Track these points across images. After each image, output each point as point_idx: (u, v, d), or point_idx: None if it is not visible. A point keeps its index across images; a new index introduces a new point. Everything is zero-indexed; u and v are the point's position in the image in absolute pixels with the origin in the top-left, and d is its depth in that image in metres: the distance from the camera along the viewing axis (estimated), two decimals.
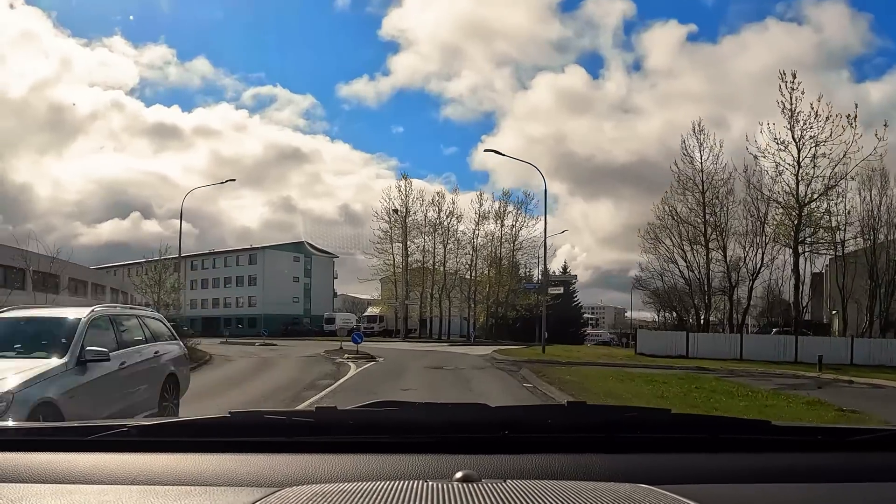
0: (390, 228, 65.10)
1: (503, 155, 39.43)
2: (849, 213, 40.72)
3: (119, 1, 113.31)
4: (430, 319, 70.17)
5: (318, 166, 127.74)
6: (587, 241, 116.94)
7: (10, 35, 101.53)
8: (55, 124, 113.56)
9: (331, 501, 1.22)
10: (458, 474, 1.39)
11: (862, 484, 1.52)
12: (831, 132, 38.30)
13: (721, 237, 43.53)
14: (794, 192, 39.67)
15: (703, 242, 43.89)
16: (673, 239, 44.86)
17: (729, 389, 15.55)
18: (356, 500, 1.22)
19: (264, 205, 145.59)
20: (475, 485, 1.32)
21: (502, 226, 65.41)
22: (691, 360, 33.21)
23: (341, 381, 17.65)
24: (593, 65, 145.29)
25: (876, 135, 37.69)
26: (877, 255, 40.27)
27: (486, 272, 66.42)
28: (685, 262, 44.82)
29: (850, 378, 23.99)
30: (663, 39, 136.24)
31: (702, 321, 44.74)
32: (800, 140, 39.37)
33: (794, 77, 40.08)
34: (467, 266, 67.40)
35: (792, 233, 40.04)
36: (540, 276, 64.42)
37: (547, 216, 64.51)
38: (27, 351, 7.39)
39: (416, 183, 66.94)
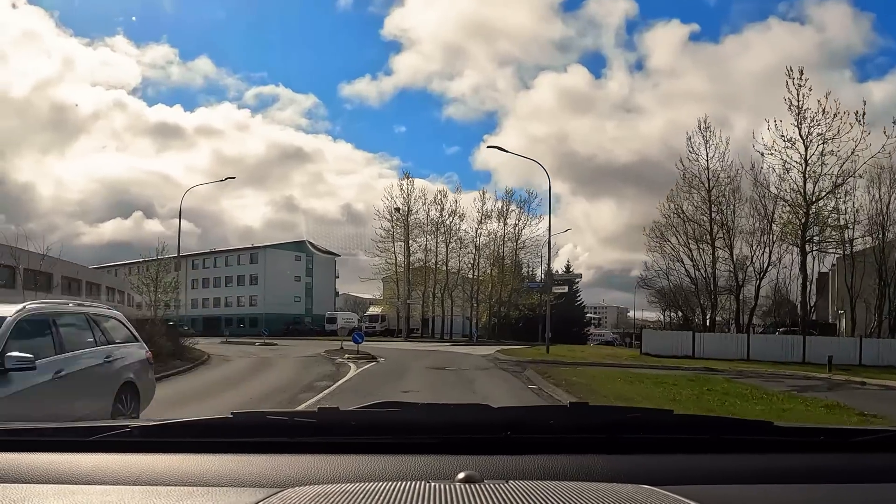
0: (392, 227, 64.70)
1: (506, 151, 38.86)
2: (857, 211, 40.21)
3: (121, 0, 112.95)
4: (433, 319, 69.63)
5: (321, 166, 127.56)
6: (589, 241, 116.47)
7: (13, 34, 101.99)
8: (58, 124, 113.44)
9: (333, 502, 1.22)
10: (461, 475, 1.39)
11: (864, 485, 1.52)
12: (839, 129, 37.87)
13: (727, 235, 42.98)
14: (802, 190, 39.15)
15: (709, 241, 43.31)
16: (679, 237, 44.32)
17: (742, 392, 14.99)
18: (359, 500, 1.22)
19: (266, 204, 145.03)
20: (477, 485, 1.32)
21: (505, 225, 65.04)
22: (698, 361, 32.73)
23: (340, 382, 17.12)
24: (595, 64, 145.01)
25: (885, 132, 37.20)
26: (886, 254, 39.72)
27: (488, 271, 65.97)
28: (691, 260, 44.29)
29: (861, 379, 23.43)
30: (665, 39, 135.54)
31: (708, 321, 44.13)
32: (807, 137, 38.89)
33: (802, 74, 39.61)
34: (470, 265, 67.03)
35: (799, 231, 39.54)
36: (543, 276, 64.20)
37: (545, 218, 63.78)
38: None
39: (418, 182, 66.65)
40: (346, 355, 27.56)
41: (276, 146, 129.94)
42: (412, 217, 64.43)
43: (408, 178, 66.03)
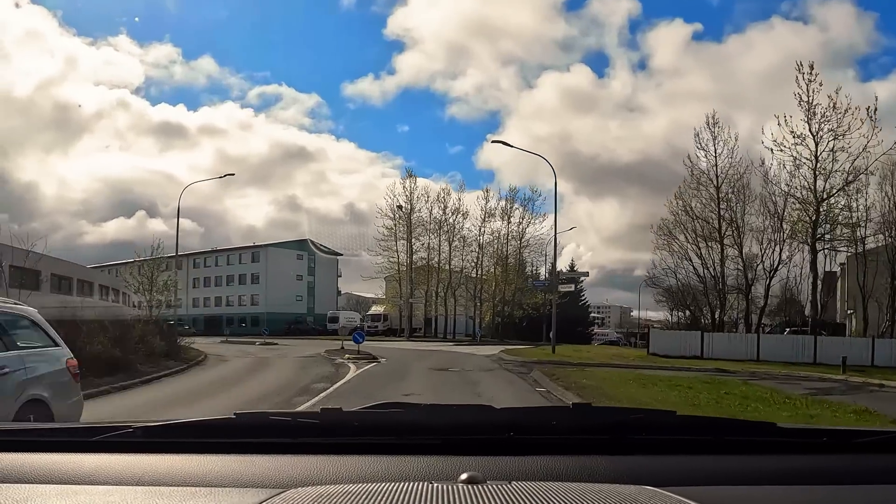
0: (395, 226, 63.94)
1: (511, 146, 37.97)
2: (869, 208, 39.39)
3: (124, 0, 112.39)
4: (435, 318, 68.89)
5: (324, 165, 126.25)
6: (592, 241, 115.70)
7: (16, 34, 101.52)
8: (61, 123, 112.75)
9: (336, 503, 1.22)
10: (463, 476, 1.39)
11: (868, 486, 1.51)
12: (849, 126, 37.10)
13: (737, 233, 42.15)
14: (812, 187, 38.36)
15: (717, 239, 42.49)
16: (687, 235, 43.49)
17: (762, 395, 14.20)
18: (361, 501, 1.22)
19: (269, 203, 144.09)
20: (480, 486, 1.32)
21: (509, 223, 64.25)
22: (707, 361, 32.05)
23: (338, 384, 16.38)
24: (599, 64, 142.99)
25: None
26: None
27: (492, 270, 65.19)
28: (699, 258, 43.46)
29: (879, 381, 22.63)
30: (669, 38, 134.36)
31: (716, 320, 43.29)
32: (817, 134, 38.11)
33: (812, 69, 38.83)
34: (473, 264, 66.27)
35: (809, 229, 38.74)
36: (547, 275, 63.50)
37: (550, 217, 63.07)
38: None
39: (421, 181, 65.59)
40: (347, 355, 26.83)
41: (279, 145, 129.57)
42: (415, 215, 63.83)
43: (410, 175, 65.45)
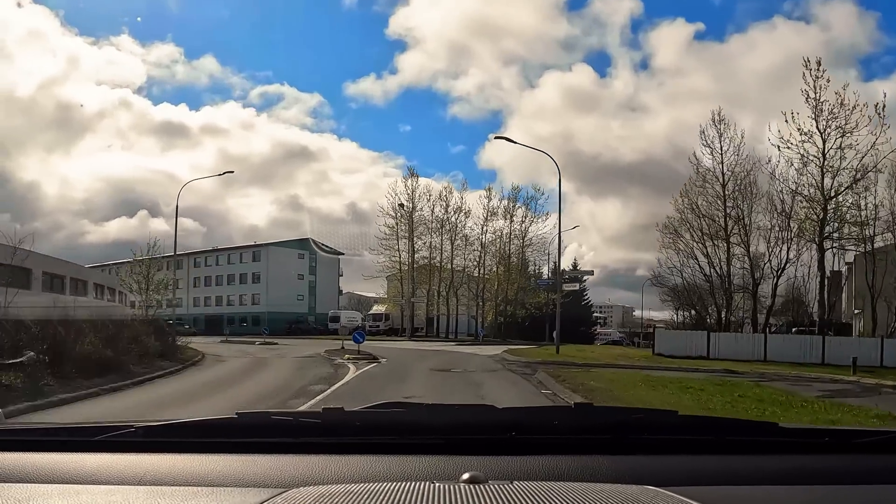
0: (396, 224, 63.35)
1: (514, 142, 37.31)
2: (877, 207, 38.74)
3: (126, 0, 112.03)
4: (437, 318, 68.35)
5: (326, 165, 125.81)
6: (594, 240, 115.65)
7: (18, 33, 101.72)
8: (63, 122, 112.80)
9: (338, 502, 1.22)
10: (465, 476, 1.39)
11: (869, 486, 1.51)
12: (857, 122, 36.54)
13: (743, 231, 41.54)
14: (819, 185, 37.78)
15: (723, 237, 41.87)
16: (693, 233, 42.89)
17: (777, 398, 13.62)
18: (363, 501, 1.22)
19: (272, 203, 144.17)
20: (482, 486, 1.31)
21: (511, 222, 63.63)
22: (714, 362, 31.54)
23: (336, 386, 15.81)
24: (601, 63, 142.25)
25: None
26: None
27: (494, 269, 64.61)
28: (706, 257, 42.84)
29: (893, 383, 22.07)
30: (671, 38, 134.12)
31: (723, 320, 42.66)
32: (825, 131, 37.56)
33: (819, 65, 38.24)
34: (475, 263, 65.64)
35: (817, 227, 38.14)
36: (550, 273, 62.92)
37: (552, 216, 62.44)
38: None
39: (423, 181, 65.00)
40: (346, 356, 26.25)
41: (281, 145, 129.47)
42: (417, 214, 63.28)
43: (412, 173, 64.90)
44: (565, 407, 2.17)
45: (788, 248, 40.78)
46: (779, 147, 38.01)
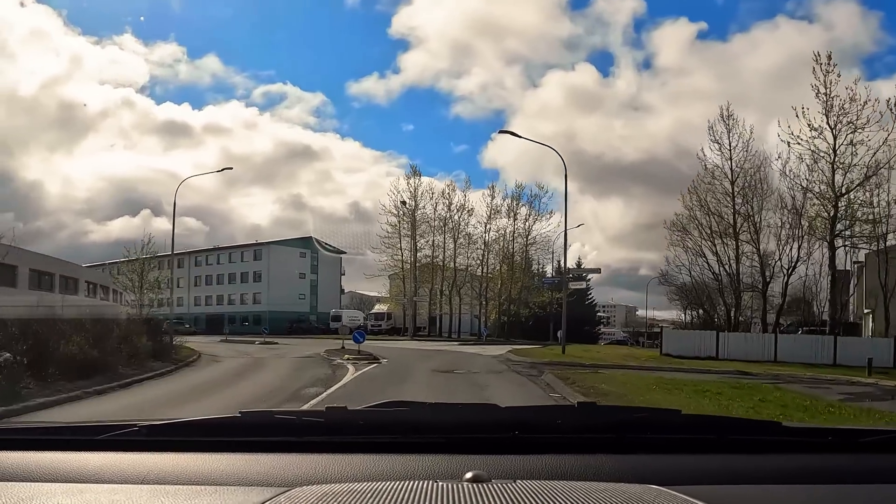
0: (399, 222, 62.67)
1: (519, 136, 36.38)
2: (889, 204, 37.84)
3: None
4: (440, 317, 67.67)
5: (328, 164, 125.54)
6: (597, 240, 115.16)
7: (21, 33, 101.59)
8: (66, 122, 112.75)
9: (341, 501, 1.22)
10: (468, 474, 1.39)
11: (873, 486, 1.51)
12: (868, 118, 35.73)
13: (753, 228, 40.69)
14: (830, 182, 36.94)
15: (732, 234, 41.03)
16: (702, 231, 42.04)
17: (801, 403, 12.80)
18: (366, 500, 1.22)
19: (274, 202, 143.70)
20: (485, 485, 1.32)
21: (515, 220, 62.89)
22: (724, 363, 30.79)
23: (332, 389, 15.03)
24: (603, 63, 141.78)
25: None
26: None
27: (497, 268, 63.84)
28: (714, 255, 41.99)
29: None
30: (673, 37, 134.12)
31: (732, 320, 41.81)
32: (835, 126, 36.76)
33: (829, 59, 37.42)
34: (478, 262, 64.91)
35: (828, 225, 37.31)
36: (554, 272, 62.09)
37: (556, 215, 62.00)
38: None
39: (426, 179, 64.43)
40: (346, 356, 25.45)
41: (283, 144, 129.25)
42: (419, 212, 62.59)
43: (415, 171, 64.24)
44: (568, 406, 2.13)
45: (799, 247, 39.94)
46: (788, 143, 37.25)
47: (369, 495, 1.23)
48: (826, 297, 41.00)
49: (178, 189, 36.71)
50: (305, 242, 78.49)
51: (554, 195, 74.12)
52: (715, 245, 41.87)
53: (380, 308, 74.42)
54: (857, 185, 37.22)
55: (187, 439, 1.66)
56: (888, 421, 11.29)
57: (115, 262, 65.14)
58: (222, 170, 39.65)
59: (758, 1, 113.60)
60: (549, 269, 65.04)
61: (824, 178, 37.14)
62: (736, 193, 40.83)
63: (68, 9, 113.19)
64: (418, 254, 63.53)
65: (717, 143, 41.23)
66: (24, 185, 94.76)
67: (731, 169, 40.92)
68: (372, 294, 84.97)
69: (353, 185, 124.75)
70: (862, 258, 42.53)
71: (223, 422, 1.73)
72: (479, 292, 64.37)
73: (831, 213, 37.20)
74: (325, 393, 14.07)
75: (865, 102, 36.12)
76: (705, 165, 41.66)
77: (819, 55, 37.29)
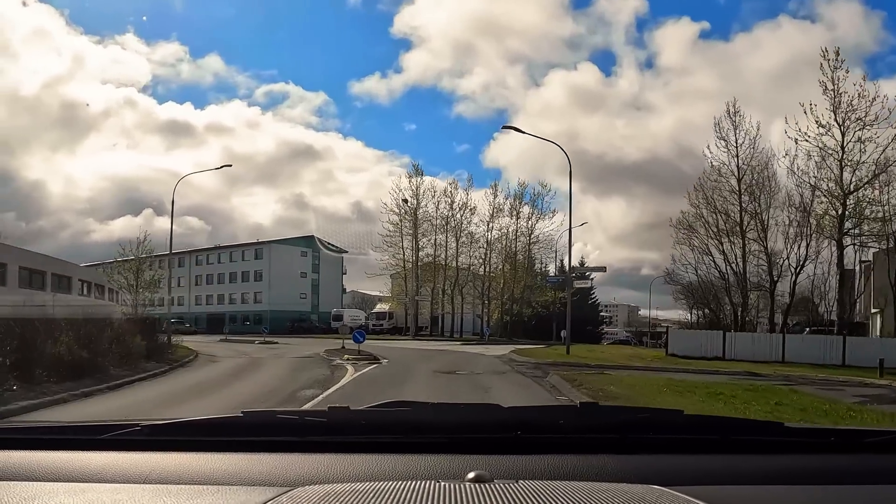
0: (400, 221, 62.05)
1: (523, 132, 35.77)
2: None
3: None
4: (442, 317, 67.07)
5: (331, 163, 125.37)
6: (599, 239, 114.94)
7: (24, 33, 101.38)
8: (68, 121, 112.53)
9: (343, 501, 1.22)
10: (471, 475, 1.39)
11: (876, 486, 1.50)
12: (876, 115, 35.12)
13: (760, 226, 40.06)
14: (839, 179, 36.31)
15: (739, 233, 40.40)
16: (709, 229, 41.40)
17: (820, 407, 12.19)
18: (368, 499, 1.22)
19: (277, 202, 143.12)
20: (487, 485, 1.31)
21: (517, 219, 62.20)
22: (731, 363, 30.20)
23: (330, 391, 14.47)
24: (606, 62, 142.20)
25: None
26: None
27: (500, 267, 63.20)
28: (721, 254, 41.38)
29: None
30: (676, 37, 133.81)
31: (739, 319, 41.17)
32: (843, 123, 36.12)
33: (837, 55, 36.82)
34: (481, 261, 64.24)
35: (836, 223, 36.69)
36: (557, 271, 61.47)
37: (558, 214, 61.26)
38: None
39: (428, 179, 63.76)
40: (346, 356, 24.88)
41: (286, 144, 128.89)
42: (421, 211, 61.96)
43: (417, 168, 63.72)
44: (571, 406, 1.96)
45: (808, 245, 39.28)
46: (796, 140, 36.64)
47: (372, 495, 1.24)
48: (835, 297, 40.35)
49: (176, 186, 36.03)
50: (307, 241, 77.93)
51: (556, 194, 73.68)
52: (722, 243, 41.25)
53: (381, 307, 73.86)
54: (866, 183, 36.61)
55: (189, 439, 1.66)
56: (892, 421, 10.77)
57: (115, 262, 64.90)
58: (221, 167, 39.07)
59: (760, 0, 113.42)
60: (551, 269, 64.58)
61: (832, 175, 36.54)
62: (743, 191, 40.21)
63: (70, 8, 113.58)
64: (420, 253, 62.95)
65: (724, 139, 40.66)
66: (27, 184, 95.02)
67: (737, 166, 40.33)
68: (374, 293, 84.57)
69: (356, 184, 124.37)
70: (870, 257, 41.95)
71: (225, 421, 1.72)
72: (481, 291, 63.75)
73: (839, 211, 36.59)
74: (322, 395, 13.52)
75: (874, 99, 35.59)
76: (711, 163, 41.11)
77: (827, 51, 36.77)
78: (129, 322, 21.28)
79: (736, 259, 40.94)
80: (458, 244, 63.50)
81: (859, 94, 35.73)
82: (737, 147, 40.40)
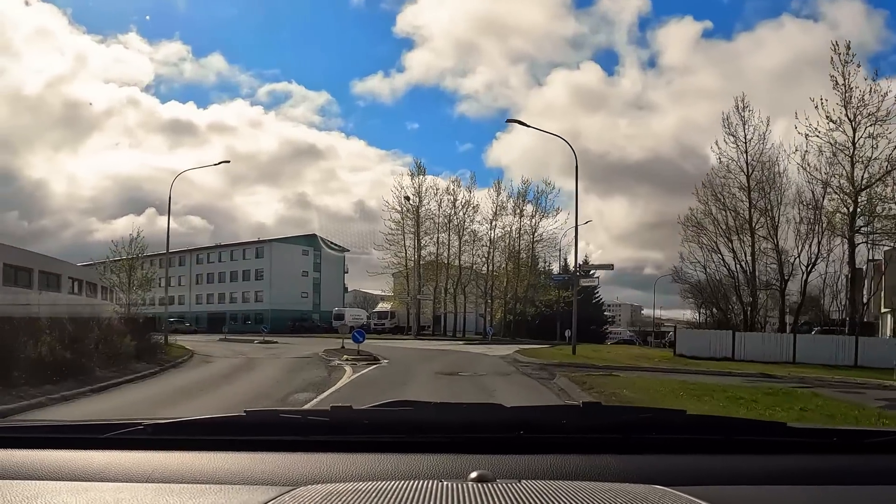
0: (402, 219, 61.28)
1: (528, 126, 34.90)
2: None
3: None
4: (444, 316, 66.31)
5: (333, 163, 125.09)
6: (601, 238, 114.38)
7: (26, 32, 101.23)
8: (71, 121, 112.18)
9: (345, 501, 1.22)
10: (473, 474, 1.38)
11: (878, 487, 1.50)
12: (888, 111, 34.30)
13: (770, 222, 39.19)
14: (850, 176, 35.45)
15: (748, 230, 39.54)
16: (718, 227, 40.54)
17: (848, 413, 11.34)
18: (371, 499, 1.22)
19: (279, 201, 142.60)
20: (490, 485, 1.31)
21: (521, 217, 61.39)
22: (742, 364, 29.36)
23: (325, 394, 13.66)
24: (608, 61, 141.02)
25: None
26: None
27: (503, 266, 62.41)
28: (731, 252, 40.50)
29: None
30: (678, 36, 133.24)
31: (748, 319, 40.31)
32: (855, 118, 35.24)
33: (848, 49, 35.94)
34: (484, 260, 63.52)
35: (848, 221, 35.84)
36: (561, 270, 60.65)
37: (562, 212, 60.52)
38: None
39: (430, 178, 63.07)
40: (345, 356, 24.09)
41: (288, 143, 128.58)
42: (423, 209, 61.18)
43: (419, 166, 62.96)
44: (573, 406, 1.92)
45: (819, 243, 38.41)
46: (806, 136, 35.77)
47: (374, 495, 1.23)
48: (847, 296, 39.49)
49: (173, 183, 35.40)
50: (308, 240, 77.36)
51: (560, 193, 73.00)
52: (731, 241, 40.39)
53: (383, 307, 73.23)
54: (878, 180, 35.73)
55: (192, 438, 1.65)
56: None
57: (108, 261, 64.25)
58: (219, 163, 38.25)
59: (763, 0, 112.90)
60: (555, 267, 63.83)
61: (844, 171, 35.69)
62: (752, 187, 39.37)
63: (73, 7, 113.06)
64: (423, 251, 62.20)
65: (733, 135, 39.77)
66: (30, 183, 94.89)
67: (746, 162, 39.47)
68: (376, 293, 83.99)
69: (358, 183, 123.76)
70: (876, 256, 41.13)
71: (228, 420, 1.72)
72: (484, 290, 63.01)
73: (851, 209, 35.73)
74: (315, 399, 12.73)
75: (885, 94, 34.74)
76: (720, 158, 40.24)
77: (837, 45, 35.85)
78: (119, 321, 20.51)
79: (745, 257, 40.10)
80: (460, 242, 62.84)
81: (871, 89, 34.93)
82: (746, 143, 39.59)
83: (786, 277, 39.14)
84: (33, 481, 1.45)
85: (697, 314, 58.92)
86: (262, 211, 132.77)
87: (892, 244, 37.72)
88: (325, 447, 1.60)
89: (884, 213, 36.30)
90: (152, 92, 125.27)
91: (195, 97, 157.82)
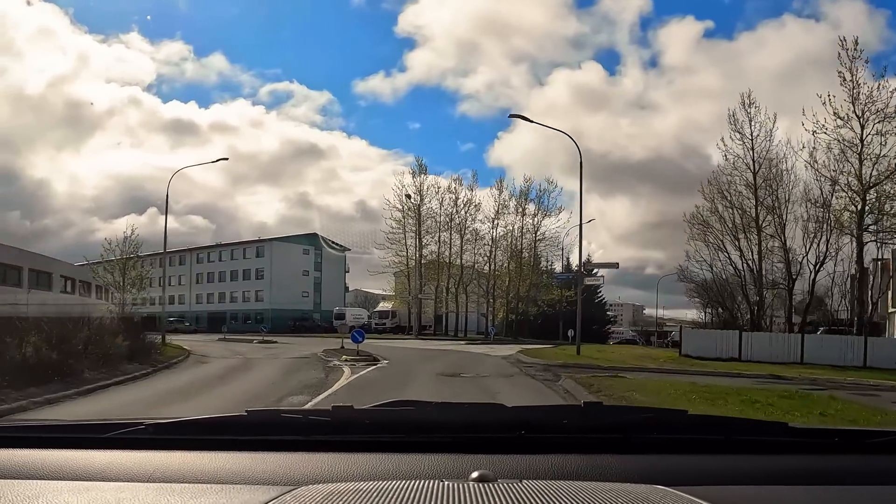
0: (403, 218, 60.76)
1: (531, 121, 34.30)
2: None
3: None
4: (446, 315, 65.76)
5: (335, 162, 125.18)
6: (603, 238, 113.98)
7: (28, 31, 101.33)
8: (72, 120, 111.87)
9: (347, 500, 1.22)
10: (474, 474, 1.38)
11: (880, 487, 1.50)
12: None
13: (778, 220, 38.57)
14: (858, 174, 34.87)
15: (755, 228, 38.93)
16: (725, 225, 39.94)
17: (872, 419, 10.71)
18: (372, 499, 1.22)
19: (280, 201, 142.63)
20: (491, 485, 1.31)
21: (523, 216, 60.85)
22: (749, 365, 28.82)
23: (320, 398, 13.07)
24: (610, 61, 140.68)
25: None
26: None
27: (505, 265, 61.86)
28: (737, 250, 39.88)
29: None
30: (680, 36, 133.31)
31: (755, 319, 39.69)
32: (863, 115, 34.65)
33: (856, 44, 35.33)
34: (485, 259, 62.97)
35: (856, 219, 35.26)
36: (563, 269, 60.07)
37: (564, 211, 60.02)
38: None
39: (432, 177, 62.60)
40: (344, 357, 23.57)
41: (290, 143, 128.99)
42: (425, 208, 60.68)
43: (421, 165, 62.45)
44: (575, 406, 1.90)
45: (828, 242, 37.79)
46: (813, 132, 35.18)
47: (375, 494, 1.23)
48: (854, 295, 38.89)
49: (171, 180, 34.84)
50: (309, 239, 76.96)
51: (562, 192, 72.56)
52: (738, 239, 39.80)
53: (384, 306, 72.76)
54: (886, 178, 35.16)
55: (193, 438, 1.64)
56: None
57: (103, 260, 63.74)
58: (217, 160, 37.64)
59: None
60: (558, 266, 63.29)
61: (852, 169, 35.11)
62: (759, 185, 38.78)
63: (75, 7, 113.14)
64: (424, 250, 61.73)
65: (739, 132, 39.16)
66: (32, 183, 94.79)
67: (752, 160, 38.86)
68: (377, 292, 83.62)
69: (360, 183, 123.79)
70: (889, 255, 40.51)
71: (229, 420, 1.71)
72: (486, 290, 62.47)
73: (859, 207, 35.15)
74: (310, 403, 12.21)
75: (894, 91, 34.13)
76: (726, 156, 39.66)
77: (845, 40, 35.25)
78: (113, 321, 19.96)
79: (752, 255, 39.50)
80: (462, 242, 62.37)
81: (879, 86, 34.35)
82: (752, 140, 38.99)
83: (793, 276, 38.50)
84: (35, 481, 1.45)
85: (703, 314, 58.30)
86: (264, 210, 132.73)
87: None
88: (327, 447, 1.59)
89: (892, 212, 35.72)
90: (154, 91, 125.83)
91: (197, 97, 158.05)
